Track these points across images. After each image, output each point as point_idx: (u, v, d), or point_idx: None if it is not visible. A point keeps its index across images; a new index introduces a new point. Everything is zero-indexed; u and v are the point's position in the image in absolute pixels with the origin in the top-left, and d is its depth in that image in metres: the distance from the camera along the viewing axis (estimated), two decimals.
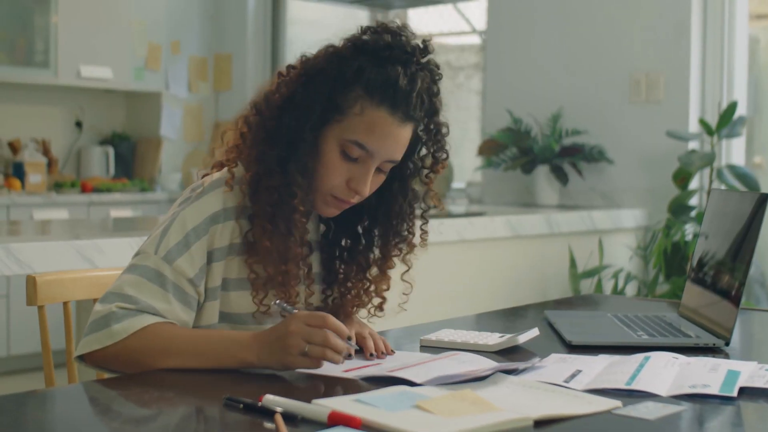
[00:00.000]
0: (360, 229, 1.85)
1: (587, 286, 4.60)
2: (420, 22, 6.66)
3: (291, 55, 6.60)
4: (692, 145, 4.81)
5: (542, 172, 5.14)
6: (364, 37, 1.70)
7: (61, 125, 6.41)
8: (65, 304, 1.97)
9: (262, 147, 1.70)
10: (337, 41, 1.71)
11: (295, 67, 1.72)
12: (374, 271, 1.85)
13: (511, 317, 2.29)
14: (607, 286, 4.68)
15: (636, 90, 4.99)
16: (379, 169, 1.71)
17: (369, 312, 1.88)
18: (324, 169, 1.69)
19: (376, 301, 1.87)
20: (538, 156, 5.09)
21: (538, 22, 5.36)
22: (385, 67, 1.66)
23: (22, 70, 5.86)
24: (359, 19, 6.75)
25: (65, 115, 6.43)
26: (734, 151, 4.90)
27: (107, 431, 1.35)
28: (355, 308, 1.86)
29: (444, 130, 1.76)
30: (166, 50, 6.67)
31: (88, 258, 2.79)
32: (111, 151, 6.46)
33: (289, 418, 1.27)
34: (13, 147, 5.98)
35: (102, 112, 6.61)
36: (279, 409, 1.29)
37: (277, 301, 1.62)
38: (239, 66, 6.85)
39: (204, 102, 6.91)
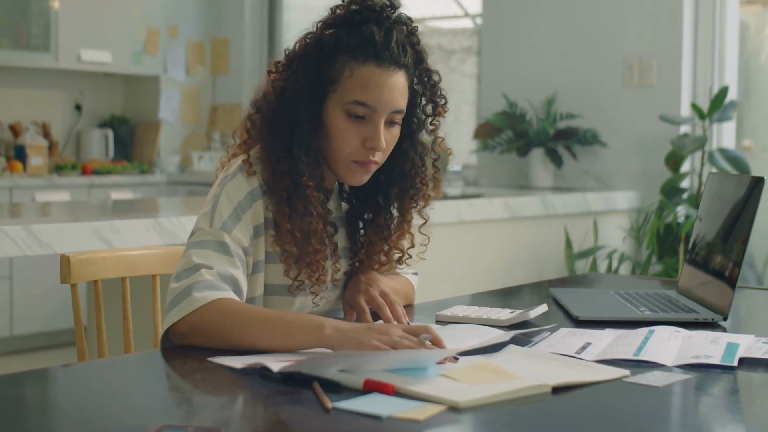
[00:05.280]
0: (381, 199, 1.95)
1: (582, 267, 4.71)
2: (413, 6, 6.73)
3: (287, 39, 6.68)
4: (684, 128, 4.91)
5: (537, 155, 5.23)
6: (334, 13, 1.84)
7: (61, 108, 6.49)
8: (95, 282, 2.06)
9: (266, 140, 1.83)
10: (312, 26, 1.85)
11: (281, 61, 1.86)
12: (393, 230, 1.96)
13: (510, 296, 2.39)
14: (602, 267, 4.79)
15: (629, 74, 5.09)
16: (390, 123, 1.82)
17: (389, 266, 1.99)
18: (337, 138, 1.80)
19: (395, 255, 1.98)
20: (533, 139, 5.18)
21: (534, 7, 5.44)
22: (360, 29, 1.79)
23: (23, 54, 5.92)
24: None
25: (65, 98, 6.50)
26: (725, 135, 5.00)
27: (147, 399, 1.44)
28: (378, 265, 1.97)
29: (436, 77, 1.88)
30: (164, 34, 6.74)
31: (105, 239, 2.88)
32: (110, 133, 6.53)
33: (326, 386, 1.37)
34: (15, 130, 6.05)
35: (101, 95, 6.69)
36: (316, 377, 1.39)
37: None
38: (236, 50, 6.92)
39: (202, 85, 6.98)
